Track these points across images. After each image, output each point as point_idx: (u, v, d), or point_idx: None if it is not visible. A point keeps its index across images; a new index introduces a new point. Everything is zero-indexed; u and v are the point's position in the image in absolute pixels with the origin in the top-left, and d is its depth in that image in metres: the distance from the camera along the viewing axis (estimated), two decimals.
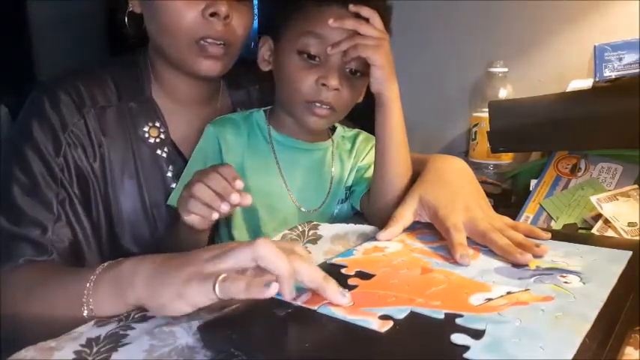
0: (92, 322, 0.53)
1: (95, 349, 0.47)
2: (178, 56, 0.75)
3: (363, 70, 0.74)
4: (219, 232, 0.84)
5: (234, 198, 0.60)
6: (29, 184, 0.71)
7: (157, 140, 0.80)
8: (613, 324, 0.43)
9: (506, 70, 1.09)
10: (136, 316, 0.54)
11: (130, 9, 0.78)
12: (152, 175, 0.80)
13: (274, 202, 0.81)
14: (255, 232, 0.82)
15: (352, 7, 0.71)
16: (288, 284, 0.46)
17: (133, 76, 0.80)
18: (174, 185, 0.81)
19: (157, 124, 0.80)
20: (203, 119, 0.82)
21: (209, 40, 0.73)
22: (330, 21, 0.71)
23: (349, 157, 0.87)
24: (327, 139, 0.86)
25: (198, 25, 0.72)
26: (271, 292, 0.44)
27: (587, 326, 0.42)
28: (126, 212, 0.78)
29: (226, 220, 0.82)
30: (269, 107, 0.85)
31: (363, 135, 0.90)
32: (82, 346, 0.48)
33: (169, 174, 0.81)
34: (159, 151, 0.80)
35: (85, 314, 0.54)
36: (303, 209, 0.83)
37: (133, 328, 0.51)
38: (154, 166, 0.80)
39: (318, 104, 0.74)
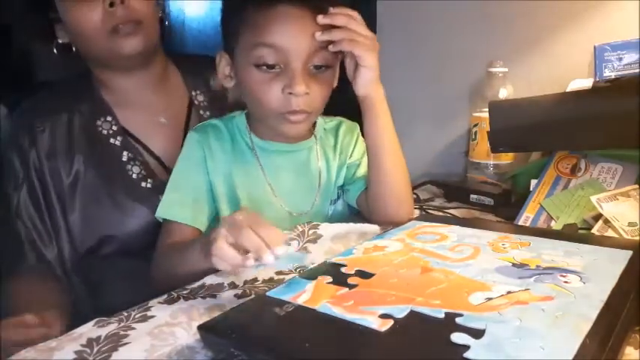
0: (92, 323, 0.53)
1: (96, 349, 0.48)
2: (94, 49, 0.83)
3: (328, 63, 0.72)
4: None
5: (269, 258, 0.53)
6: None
7: (111, 132, 0.88)
8: (613, 324, 0.43)
9: (506, 70, 1.09)
10: (136, 317, 0.54)
11: (60, 41, 0.87)
12: (110, 163, 0.87)
13: (263, 209, 0.79)
14: None
15: (332, 10, 0.69)
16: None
17: (81, 84, 0.90)
18: (129, 167, 0.87)
19: (109, 119, 0.89)
20: (146, 83, 0.91)
21: (120, 26, 0.80)
22: (320, 17, 0.68)
23: (334, 153, 0.85)
24: (309, 136, 0.84)
25: (102, 16, 0.80)
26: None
27: (588, 326, 0.42)
28: (85, 198, 0.86)
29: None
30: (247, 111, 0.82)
31: (345, 125, 0.87)
32: (82, 346, 0.48)
33: (124, 158, 0.88)
34: (112, 140, 0.88)
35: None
36: (294, 213, 0.81)
37: (134, 329, 0.51)
38: (112, 154, 0.88)
39: (290, 113, 0.71)
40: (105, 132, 0.88)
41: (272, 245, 0.53)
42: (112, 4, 0.79)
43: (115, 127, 0.88)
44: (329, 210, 0.85)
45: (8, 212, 0.84)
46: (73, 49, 0.87)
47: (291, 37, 0.68)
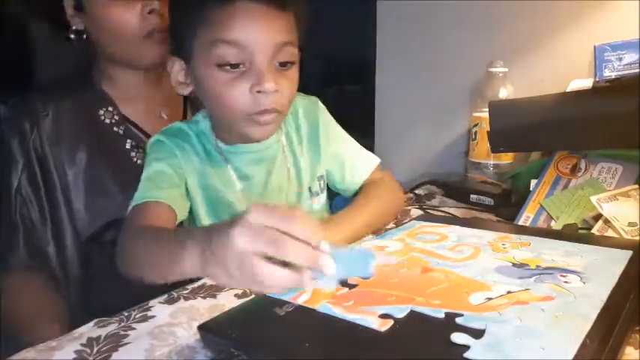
0: (92, 323, 0.53)
1: (96, 349, 0.48)
2: (123, 48, 0.85)
3: (293, 59, 0.68)
4: None
5: (331, 266, 0.42)
6: None
7: (113, 121, 0.89)
8: (613, 324, 0.43)
9: (506, 69, 1.09)
10: (136, 317, 0.54)
11: (74, 27, 0.87)
12: (115, 150, 0.88)
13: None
14: None
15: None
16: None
17: (81, 78, 0.92)
18: (133, 154, 0.87)
19: (110, 109, 0.90)
20: (149, 80, 0.91)
21: (155, 33, 0.83)
22: None
23: (300, 144, 0.81)
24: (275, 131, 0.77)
25: (139, 20, 0.82)
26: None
27: (588, 326, 0.42)
28: (90, 184, 0.86)
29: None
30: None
31: (302, 109, 0.82)
32: (82, 345, 0.48)
33: (128, 146, 0.89)
34: (115, 129, 0.89)
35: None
36: None
37: (134, 329, 0.51)
38: (116, 141, 0.88)
39: (260, 114, 0.67)
40: (107, 121, 0.89)
41: (318, 245, 0.43)
42: (151, 12, 0.83)
43: (117, 117, 0.89)
44: (311, 204, 0.82)
45: (7, 200, 0.84)
46: (84, 36, 0.88)
47: (256, 33, 0.64)
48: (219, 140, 0.75)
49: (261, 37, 0.64)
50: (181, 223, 0.72)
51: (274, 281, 0.42)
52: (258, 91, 0.65)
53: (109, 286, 0.81)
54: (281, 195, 0.79)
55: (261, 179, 0.77)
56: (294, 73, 0.70)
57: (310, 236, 0.42)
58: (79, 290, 0.87)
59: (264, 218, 0.43)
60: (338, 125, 0.85)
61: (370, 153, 0.87)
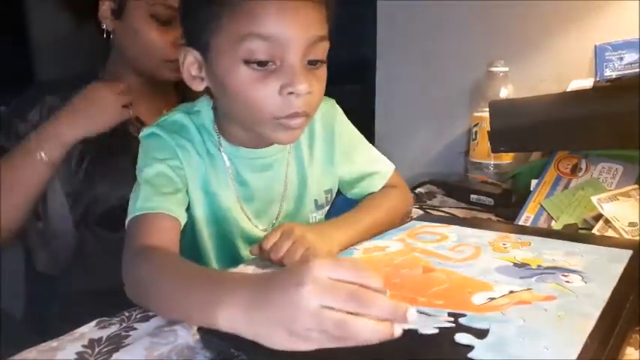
0: (94, 323, 0.53)
1: (97, 350, 0.48)
2: (149, 61, 0.90)
3: (324, 57, 0.63)
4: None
5: (413, 314, 0.39)
6: None
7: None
8: (614, 324, 0.43)
9: (506, 69, 1.09)
10: (137, 316, 0.54)
11: (104, 26, 0.91)
12: (122, 137, 0.89)
13: (231, 224, 0.72)
14: (233, 257, 0.73)
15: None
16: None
17: (87, 78, 0.92)
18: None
19: None
20: (156, 84, 0.94)
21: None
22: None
23: (311, 152, 0.75)
24: None
25: (172, 47, 0.88)
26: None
27: (591, 326, 0.42)
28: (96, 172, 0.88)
29: (194, 246, 0.72)
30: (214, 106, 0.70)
31: (319, 113, 0.72)
32: (84, 346, 0.48)
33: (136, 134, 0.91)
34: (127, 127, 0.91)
35: None
36: (265, 228, 0.74)
37: (135, 329, 0.51)
38: (123, 131, 0.90)
39: (289, 117, 0.60)
40: None
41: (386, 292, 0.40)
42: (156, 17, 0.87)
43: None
44: (311, 218, 0.78)
45: None
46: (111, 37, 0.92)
47: (290, 26, 0.58)
48: (222, 137, 0.69)
49: (295, 32, 0.58)
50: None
51: (367, 335, 0.38)
52: (290, 93, 0.59)
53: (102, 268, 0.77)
54: (279, 205, 0.74)
55: (260, 187, 0.72)
56: (323, 72, 0.64)
57: (383, 287, 0.41)
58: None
59: (332, 272, 0.40)
60: (355, 131, 0.80)
61: (385, 159, 0.82)
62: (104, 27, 0.91)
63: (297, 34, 0.58)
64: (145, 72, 0.92)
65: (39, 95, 0.90)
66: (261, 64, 0.58)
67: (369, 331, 0.38)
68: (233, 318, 0.43)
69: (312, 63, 0.61)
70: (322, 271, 0.40)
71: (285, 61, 0.59)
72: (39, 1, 1.50)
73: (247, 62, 0.58)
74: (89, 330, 0.51)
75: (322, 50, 0.62)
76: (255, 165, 0.71)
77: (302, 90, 0.58)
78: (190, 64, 0.64)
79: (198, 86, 0.65)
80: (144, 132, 0.69)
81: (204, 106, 0.70)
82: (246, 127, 0.66)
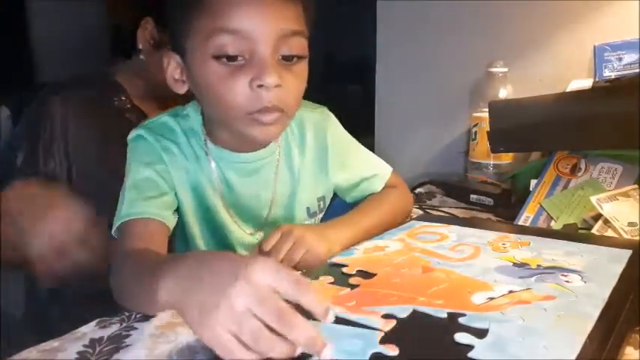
0: (94, 323, 0.53)
1: (98, 349, 0.48)
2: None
3: (299, 52, 0.62)
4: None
5: (328, 354, 0.38)
6: None
7: (126, 107, 0.94)
8: (614, 323, 0.43)
9: (506, 70, 1.09)
10: (138, 316, 0.54)
11: (140, 46, 0.92)
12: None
13: (217, 230, 0.72)
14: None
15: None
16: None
17: (100, 73, 0.98)
18: None
19: (123, 98, 0.95)
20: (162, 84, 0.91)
21: None
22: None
23: (302, 160, 0.74)
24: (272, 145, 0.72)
25: None
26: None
27: (590, 325, 0.42)
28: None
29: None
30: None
31: (310, 124, 0.74)
32: (85, 346, 0.48)
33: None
34: (127, 115, 0.94)
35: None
36: (255, 236, 0.74)
37: (136, 328, 0.51)
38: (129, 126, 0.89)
39: (261, 112, 0.60)
40: (121, 107, 0.94)
41: (324, 317, 0.39)
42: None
43: (129, 105, 0.95)
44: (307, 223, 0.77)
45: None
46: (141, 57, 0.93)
47: (258, 20, 0.58)
48: (208, 139, 0.69)
49: (263, 25, 0.58)
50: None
51: (270, 351, 0.37)
52: (259, 86, 0.58)
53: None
54: (267, 210, 0.73)
55: (246, 191, 0.71)
56: (301, 68, 0.62)
57: (317, 307, 0.39)
58: None
59: (273, 279, 0.39)
60: (349, 137, 0.79)
61: (383, 162, 0.82)
62: (140, 46, 0.92)
63: (266, 27, 0.58)
64: (168, 98, 0.86)
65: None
66: (231, 58, 0.58)
67: (277, 352, 0.37)
68: (170, 290, 0.42)
69: (288, 59, 0.61)
70: (262, 276, 0.38)
71: (254, 54, 0.59)
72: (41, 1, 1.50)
73: (217, 58, 0.59)
74: (90, 330, 0.52)
75: (297, 45, 0.61)
76: (241, 169, 0.71)
77: (270, 82, 0.58)
78: (173, 69, 0.65)
79: (180, 89, 0.66)
80: (131, 134, 0.69)
81: (193, 110, 0.71)
82: (226, 127, 0.66)
